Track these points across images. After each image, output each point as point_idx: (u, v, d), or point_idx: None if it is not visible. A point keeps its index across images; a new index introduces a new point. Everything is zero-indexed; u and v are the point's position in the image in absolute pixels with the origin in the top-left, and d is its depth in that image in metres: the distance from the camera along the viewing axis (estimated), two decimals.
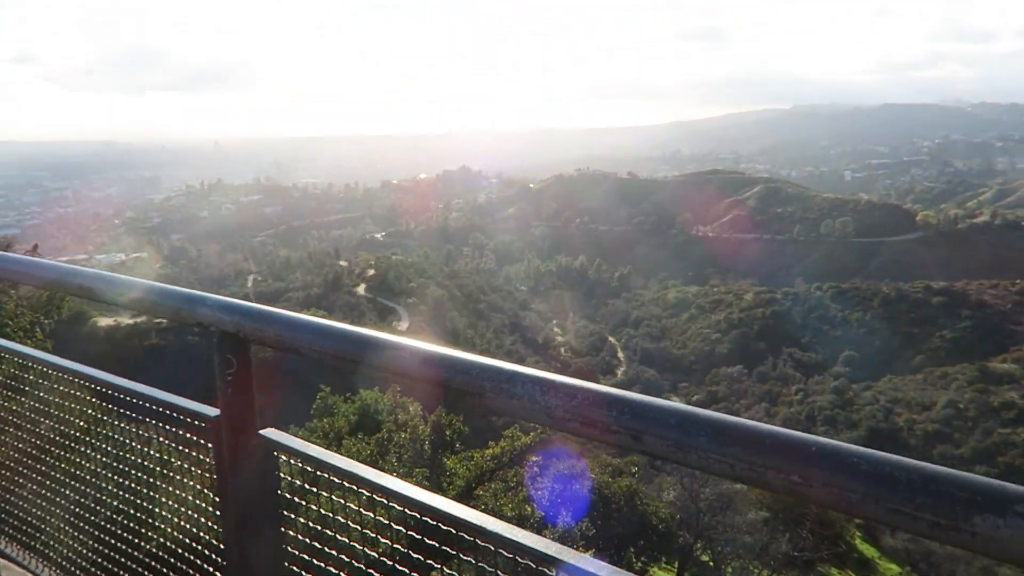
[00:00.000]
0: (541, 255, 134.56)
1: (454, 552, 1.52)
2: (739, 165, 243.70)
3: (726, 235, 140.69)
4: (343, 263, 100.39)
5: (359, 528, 1.69)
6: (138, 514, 2.35)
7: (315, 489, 1.80)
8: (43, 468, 2.71)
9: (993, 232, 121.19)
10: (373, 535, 1.66)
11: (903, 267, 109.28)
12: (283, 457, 1.88)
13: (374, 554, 1.66)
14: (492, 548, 1.46)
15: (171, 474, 2.22)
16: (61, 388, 2.58)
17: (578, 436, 1.28)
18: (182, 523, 2.20)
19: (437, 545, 1.54)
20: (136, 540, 2.37)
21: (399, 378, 1.56)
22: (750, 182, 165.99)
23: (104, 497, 2.46)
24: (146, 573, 2.36)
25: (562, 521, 13.76)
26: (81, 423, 2.51)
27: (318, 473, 1.80)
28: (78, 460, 2.55)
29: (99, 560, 2.53)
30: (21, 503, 2.85)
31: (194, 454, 2.13)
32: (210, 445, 2.03)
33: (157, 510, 2.27)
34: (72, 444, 2.57)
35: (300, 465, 1.84)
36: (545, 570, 1.39)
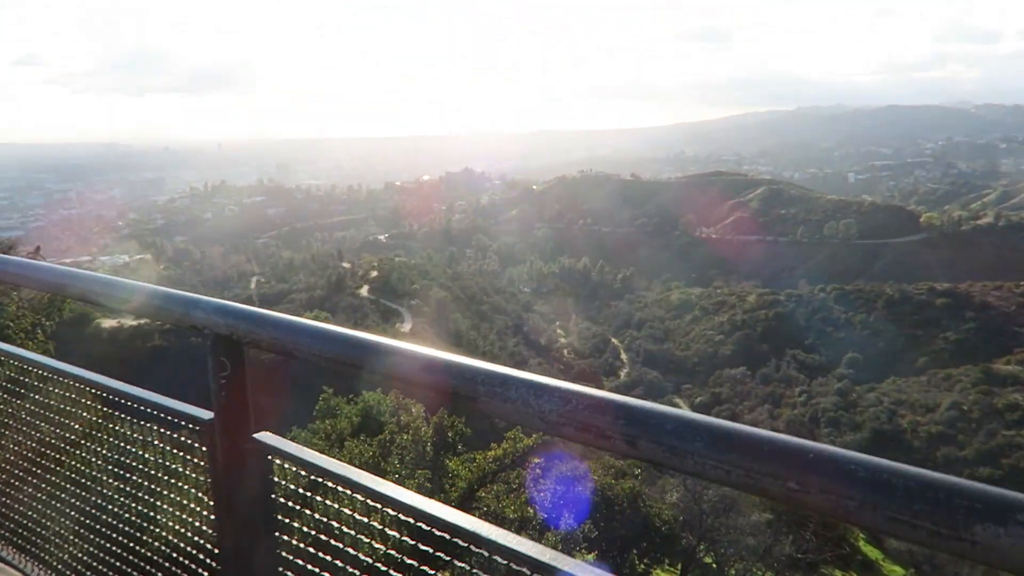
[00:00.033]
0: (544, 257, 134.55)
1: (449, 558, 1.50)
2: (742, 167, 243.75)
3: (729, 237, 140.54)
4: (346, 265, 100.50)
5: (354, 533, 1.68)
6: (133, 518, 2.33)
7: (310, 493, 1.79)
8: (38, 471, 2.69)
9: (997, 234, 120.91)
10: (368, 540, 1.65)
11: (907, 269, 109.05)
12: (278, 461, 1.86)
13: (369, 560, 1.65)
14: (487, 554, 1.44)
15: (166, 478, 2.20)
16: (55, 390, 2.57)
17: (572, 441, 1.27)
18: (177, 527, 2.18)
19: (432, 551, 1.52)
20: (131, 544, 2.35)
21: (393, 381, 1.57)
22: (753, 184, 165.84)
23: (99, 500, 2.44)
24: None
25: (564, 523, 13.73)
26: (76, 426, 2.49)
27: (313, 477, 1.78)
28: (73, 463, 2.53)
29: (94, 564, 2.52)
30: (16, 506, 2.84)
31: (189, 458, 2.11)
32: (204, 449, 2.01)
33: (152, 514, 2.25)
34: (67, 447, 2.55)
35: (295, 469, 1.82)
36: None
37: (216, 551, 2.07)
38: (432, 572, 1.53)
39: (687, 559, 19.73)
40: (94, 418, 2.42)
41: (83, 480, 2.50)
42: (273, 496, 1.87)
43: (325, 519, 1.75)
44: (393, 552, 1.61)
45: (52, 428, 2.58)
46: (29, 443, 2.71)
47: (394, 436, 13.89)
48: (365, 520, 1.66)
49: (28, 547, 2.80)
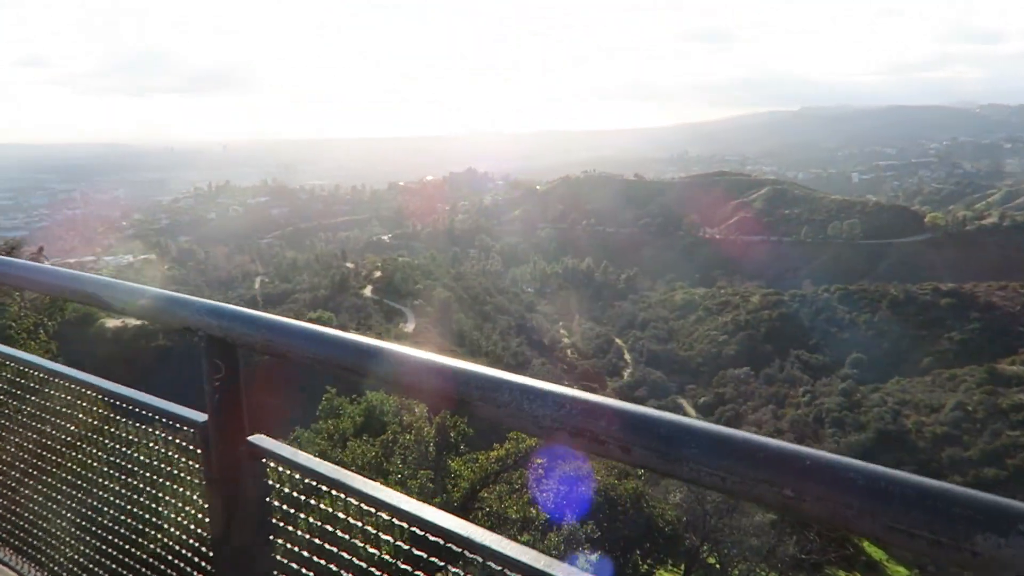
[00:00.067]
0: (547, 257, 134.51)
1: (443, 563, 1.49)
2: (746, 167, 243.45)
3: (733, 237, 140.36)
4: (350, 265, 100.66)
5: (349, 538, 1.67)
6: (129, 520, 2.31)
7: (304, 497, 1.77)
8: (34, 473, 2.68)
9: (1002, 234, 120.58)
10: (362, 545, 1.64)
11: (911, 269, 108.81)
12: (272, 464, 1.84)
13: (363, 564, 1.64)
14: (481, 560, 1.42)
15: (162, 480, 2.18)
16: (50, 392, 2.55)
17: (566, 447, 1.24)
18: (173, 530, 2.17)
19: (426, 556, 1.51)
20: (127, 546, 2.34)
21: (385, 385, 1.56)
22: (757, 184, 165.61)
23: (95, 502, 2.43)
24: None
25: (567, 523, 13.71)
26: (73, 428, 2.48)
27: (307, 481, 1.76)
28: (69, 465, 2.52)
29: (91, 566, 2.50)
30: (13, 507, 2.83)
31: (184, 460, 2.09)
32: (199, 451, 2.00)
33: (148, 516, 2.24)
34: (63, 448, 2.53)
35: (290, 473, 1.80)
36: None
37: (212, 554, 2.05)
38: None
39: (690, 560, 19.69)
40: (90, 420, 2.40)
41: (79, 482, 2.49)
42: (268, 499, 1.85)
43: (320, 523, 1.73)
44: (387, 557, 1.60)
45: (48, 430, 2.57)
46: (25, 445, 2.69)
47: (397, 436, 13.88)
48: (359, 524, 1.65)
49: (25, 548, 2.79)
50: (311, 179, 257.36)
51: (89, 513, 2.45)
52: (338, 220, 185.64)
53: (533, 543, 12.36)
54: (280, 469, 1.82)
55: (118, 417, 2.30)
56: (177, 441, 2.11)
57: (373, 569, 1.63)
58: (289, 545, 1.81)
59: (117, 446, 2.32)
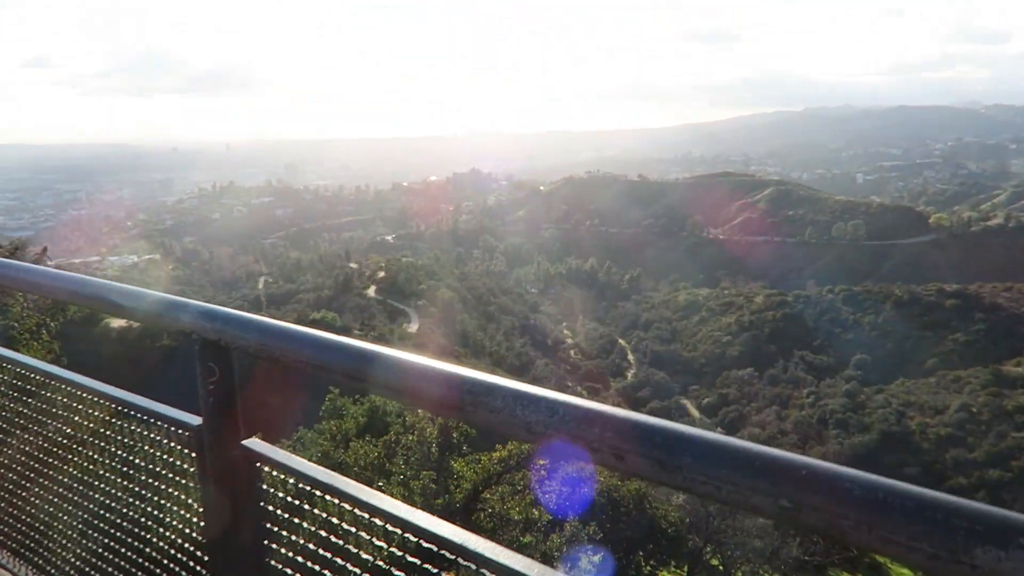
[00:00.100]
0: (551, 257, 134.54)
1: (436, 570, 1.48)
2: (750, 167, 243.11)
3: (737, 237, 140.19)
4: (354, 265, 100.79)
5: (342, 543, 1.66)
6: (125, 524, 2.30)
7: (298, 502, 1.75)
8: (30, 475, 2.67)
9: (1007, 234, 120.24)
10: (356, 551, 1.62)
11: (916, 270, 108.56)
12: (266, 468, 1.83)
13: (357, 570, 1.63)
14: (475, 568, 1.41)
15: (157, 483, 2.17)
16: (44, 394, 2.54)
17: (558, 452, 1.22)
18: (168, 533, 2.16)
19: (419, 563, 1.49)
20: (122, 549, 2.33)
21: (375, 388, 1.55)
22: (761, 184, 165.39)
23: (91, 505, 2.42)
24: None
25: (570, 525, 13.69)
26: (69, 430, 2.47)
27: (301, 486, 1.75)
28: (64, 468, 2.51)
29: (85, 569, 2.49)
30: (8, 509, 2.82)
31: (180, 464, 2.08)
32: (194, 455, 1.98)
33: (144, 520, 2.23)
34: (58, 451, 2.52)
35: (284, 477, 1.79)
36: None
37: (206, 558, 2.04)
38: None
39: (694, 561, 19.66)
40: (86, 423, 2.39)
41: (76, 485, 2.47)
42: (263, 504, 1.84)
43: (314, 528, 1.72)
44: (382, 563, 1.58)
45: (43, 432, 2.56)
46: (20, 448, 2.69)
47: (399, 437, 13.87)
48: (353, 530, 1.64)
49: (22, 551, 2.79)
50: (314, 179, 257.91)
51: (85, 516, 2.44)
52: (342, 220, 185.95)
53: (535, 544, 12.35)
54: (275, 473, 1.81)
55: (113, 420, 2.29)
56: (172, 444, 2.10)
57: (368, 575, 1.61)
58: (284, 550, 1.79)
59: (112, 449, 2.31)
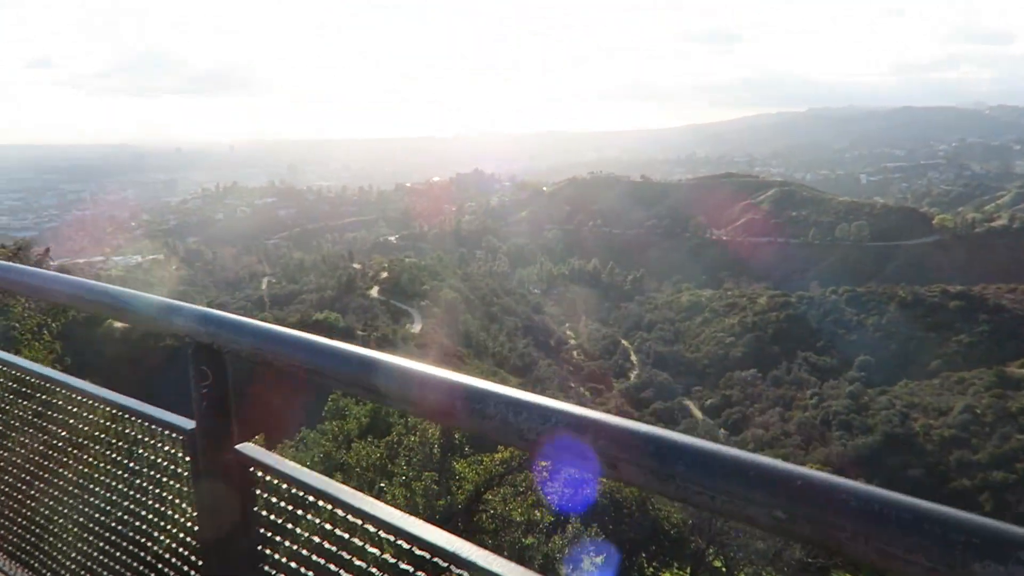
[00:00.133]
0: (554, 258, 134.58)
1: None
2: (753, 168, 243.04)
3: (740, 238, 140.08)
4: (357, 266, 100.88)
5: (335, 549, 1.65)
6: (118, 527, 2.29)
7: (291, 507, 1.73)
8: (25, 477, 2.65)
9: (1011, 235, 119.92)
10: (349, 557, 1.61)
11: (919, 271, 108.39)
12: (260, 473, 1.81)
13: None
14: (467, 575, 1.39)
15: (150, 487, 2.15)
16: (37, 396, 2.53)
17: (552, 460, 1.21)
18: (161, 537, 2.14)
19: (412, 570, 1.48)
20: (117, 552, 2.31)
21: (370, 394, 1.53)
22: (764, 185, 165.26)
23: (84, 508, 2.40)
24: None
25: (572, 526, 13.67)
26: (63, 433, 2.45)
27: (294, 491, 1.73)
28: (59, 470, 2.49)
29: (79, 572, 2.48)
30: (3, 512, 2.80)
31: (173, 467, 2.06)
32: (188, 459, 1.97)
33: (137, 523, 2.21)
34: (52, 453, 2.51)
35: (276, 482, 1.77)
36: None
37: (200, 563, 2.02)
38: None
39: (696, 563, 19.61)
40: (80, 426, 2.38)
41: (70, 488, 2.46)
42: (256, 508, 1.82)
43: (307, 533, 1.70)
44: (375, 571, 1.57)
45: (36, 435, 2.55)
46: (13, 451, 2.67)
47: (401, 438, 13.86)
48: (346, 536, 1.63)
49: (17, 553, 2.77)
50: (316, 180, 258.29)
51: (80, 520, 2.42)
52: (345, 221, 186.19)
53: (538, 546, 12.33)
54: (267, 478, 1.79)
55: (108, 423, 2.27)
56: (167, 448, 2.08)
57: None
58: (277, 555, 1.77)
59: (107, 452, 2.29)
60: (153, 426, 2.08)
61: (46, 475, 2.53)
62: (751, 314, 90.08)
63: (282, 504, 1.75)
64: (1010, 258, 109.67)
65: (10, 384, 2.65)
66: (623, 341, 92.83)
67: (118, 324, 53.24)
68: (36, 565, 2.68)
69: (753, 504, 0.98)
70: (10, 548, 2.80)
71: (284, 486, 1.75)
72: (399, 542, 1.51)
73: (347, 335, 51.39)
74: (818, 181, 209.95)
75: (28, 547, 2.70)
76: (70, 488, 2.45)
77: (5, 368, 2.67)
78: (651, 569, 18.33)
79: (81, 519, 2.41)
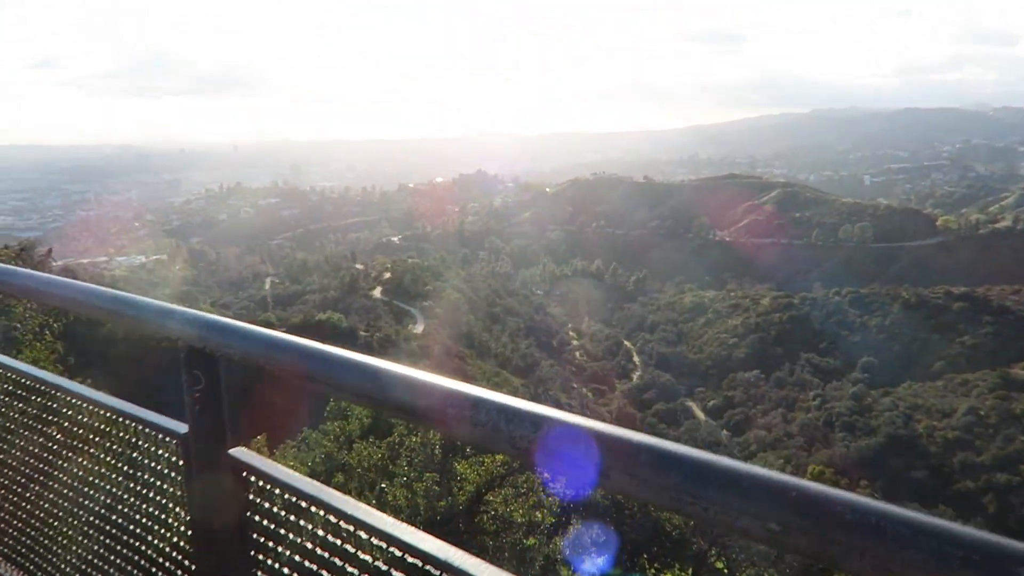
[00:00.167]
0: (557, 259, 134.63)
1: None
2: (756, 169, 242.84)
3: (743, 239, 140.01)
4: (359, 266, 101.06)
5: (328, 556, 1.63)
6: (111, 530, 2.28)
7: (284, 513, 1.72)
8: (19, 479, 2.64)
9: (1015, 237, 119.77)
10: (342, 564, 1.60)
11: (923, 272, 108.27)
12: (253, 479, 1.79)
13: None
14: None
15: (143, 491, 2.14)
16: (31, 398, 2.52)
17: (544, 468, 1.19)
18: (155, 541, 2.13)
19: None
20: (109, 556, 2.30)
21: (361, 400, 1.52)
22: (768, 186, 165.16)
23: (77, 511, 2.39)
24: None
25: (573, 527, 13.64)
26: (58, 435, 2.44)
27: (287, 497, 1.72)
28: (51, 472, 2.48)
29: (72, 574, 2.47)
30: None
31: (166, 471, 2.05)
32: (181, 463, 1.96)
33: (130, 527, 2.20)
34: (45, 455, 2.50)
35: (270, 488, 1.76)
36: None
37: (193, 567, 2.01)
38: None
39: (698, 564, 19.56)
40: (74, 429, 2.37)
41: (64, 491, 2.45)
42: (248, 514, 1.81)
43: (300, 539, 1.70)
44: None
45: (30, 438, 2.54)
46: (6, 454, 2.66)
47: (403, 438, 13.86)
48: (338, 543, 1.61)
49: (12, 555, 2.77)
50: (319, 180, 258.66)
51: (73, 523, 2.41)
52: (348, 222, 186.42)
53: (539, 547, 12.31)
54: (261, 484, 1.78)
55: (102, 426, 2.26)
56: (160, 452, 2.07)
57: None
58: (269, 561, 1.76)
59: (100, 456, 2.28)
60: (147, 430, 2.06)
61: (40, 479, 2.53)
62: (754, 315, 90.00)
63: (275, 510, 1.74)
64: (1014, 259, 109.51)
65: (3, 387, 2.65)
66: (626, 342, 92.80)
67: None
68: (31, 567, 2.67)
69: (747, 515, 0.96)
70: (5, 551, 2.79)
71: (278, 492, 1.74)
72: (391, 549, 1.49)
73: (350, 336, 51.42)
74: (821, 182, 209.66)
75: (23, 550, 2.69)
76: (64, 492, 2.44)
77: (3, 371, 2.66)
78: (652, 570, 18.26)
79: (75, 523, 2.40)
